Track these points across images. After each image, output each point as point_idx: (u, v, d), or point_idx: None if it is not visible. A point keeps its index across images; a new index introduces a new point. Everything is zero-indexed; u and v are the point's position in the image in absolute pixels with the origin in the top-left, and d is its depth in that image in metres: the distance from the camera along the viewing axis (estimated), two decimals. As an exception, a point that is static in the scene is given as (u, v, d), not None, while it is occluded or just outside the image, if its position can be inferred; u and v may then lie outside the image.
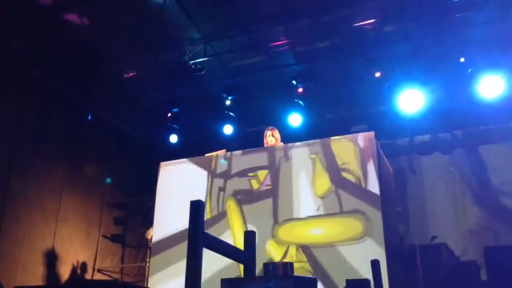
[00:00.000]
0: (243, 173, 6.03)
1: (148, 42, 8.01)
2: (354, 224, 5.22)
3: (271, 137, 6.48)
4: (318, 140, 5.85)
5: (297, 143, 6.00)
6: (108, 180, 9.14)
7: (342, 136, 5.80)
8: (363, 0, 7.20)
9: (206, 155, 6.61)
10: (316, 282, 2.70)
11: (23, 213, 7.29)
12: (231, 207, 5.93)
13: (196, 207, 2.65)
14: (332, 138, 5.83)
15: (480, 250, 5.87)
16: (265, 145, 6.44)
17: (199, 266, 2.55)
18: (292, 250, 5.40)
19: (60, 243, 7.86)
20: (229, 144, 7.71)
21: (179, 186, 6.31)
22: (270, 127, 6.65)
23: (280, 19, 7.48)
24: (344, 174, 5.49)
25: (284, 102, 8.62)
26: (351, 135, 5.81)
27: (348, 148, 5.60)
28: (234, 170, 6.10)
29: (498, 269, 5.40)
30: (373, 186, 5.28)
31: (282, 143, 6.40)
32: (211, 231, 5.32)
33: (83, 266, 8.31)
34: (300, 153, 5.83)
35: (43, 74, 7.91)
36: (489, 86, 7.35)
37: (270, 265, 2.72)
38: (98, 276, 8.54)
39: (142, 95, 9.14)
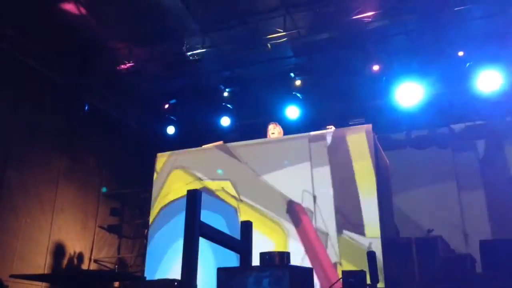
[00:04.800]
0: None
1: (146, 32, 7.96)
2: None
3: (273, 131, 6.53)
4: (311, 133, 5.87)
5: (296, 135, 6.03)
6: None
7: (341, 128, 5.81)
8: (362, -7, 7.16)
9: (203, 146, 6.61)
10: (312, 272, 2.69)
11: (20, 203, 7.26)
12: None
13: (193, 196, 2.65)
14: (329, 130, 5.83)
15: (476, 243, 5.89)
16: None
17: (196, 255, 2.55)
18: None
19: (56, 233, 7.85)
20: (226, 136, 7.70)
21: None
22: (272, 122, 6.70)
23: (279, 11, 7.44)
24: (342, 165, 5.49)
25: (282, 95, 8.59)
26: (348, 128, 5.81)
27: (345, 140, 5.60)
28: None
29: (493, 262, 5.42)
30: (370, 178, 5.28)
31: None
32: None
33: (80, 256, 8.31)
34: (299, 144, 5.86)
35: (40, 64, 7.86)
36: (487, 81, 7.35)
37: (266, 255, 2.71)
38: (94, 267, 8.54)
39: (139, 86, 9.08)
